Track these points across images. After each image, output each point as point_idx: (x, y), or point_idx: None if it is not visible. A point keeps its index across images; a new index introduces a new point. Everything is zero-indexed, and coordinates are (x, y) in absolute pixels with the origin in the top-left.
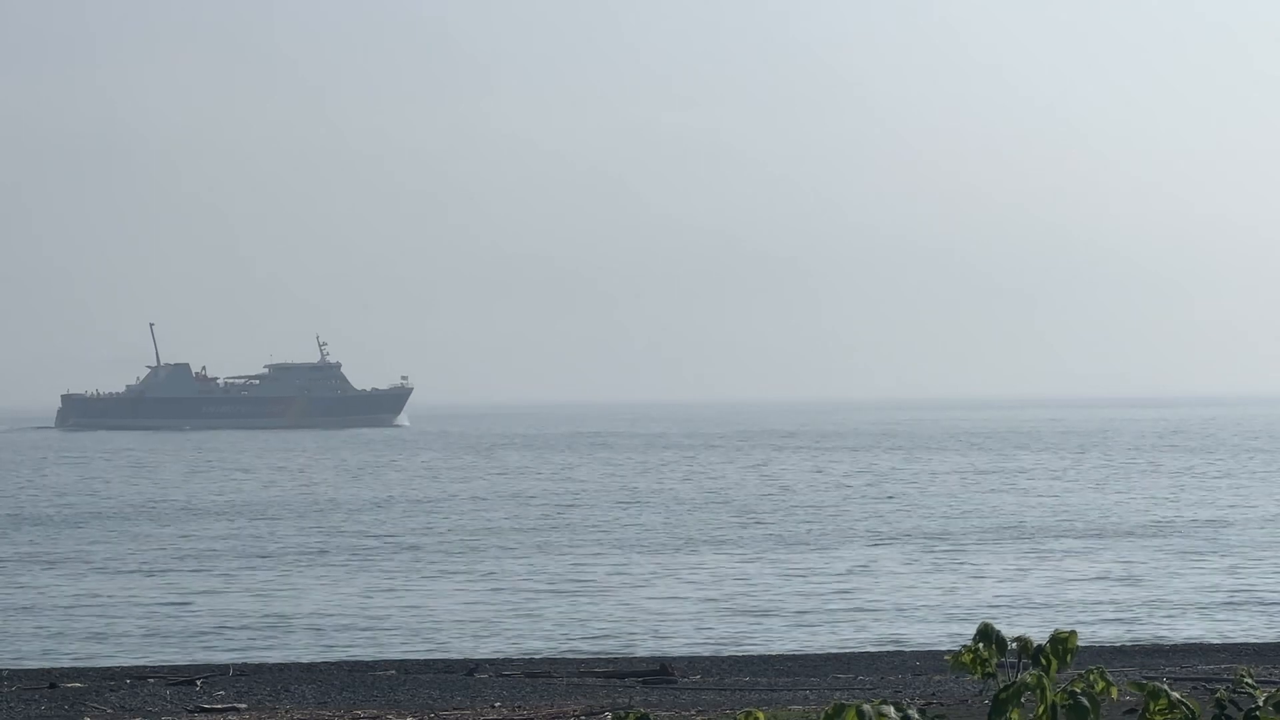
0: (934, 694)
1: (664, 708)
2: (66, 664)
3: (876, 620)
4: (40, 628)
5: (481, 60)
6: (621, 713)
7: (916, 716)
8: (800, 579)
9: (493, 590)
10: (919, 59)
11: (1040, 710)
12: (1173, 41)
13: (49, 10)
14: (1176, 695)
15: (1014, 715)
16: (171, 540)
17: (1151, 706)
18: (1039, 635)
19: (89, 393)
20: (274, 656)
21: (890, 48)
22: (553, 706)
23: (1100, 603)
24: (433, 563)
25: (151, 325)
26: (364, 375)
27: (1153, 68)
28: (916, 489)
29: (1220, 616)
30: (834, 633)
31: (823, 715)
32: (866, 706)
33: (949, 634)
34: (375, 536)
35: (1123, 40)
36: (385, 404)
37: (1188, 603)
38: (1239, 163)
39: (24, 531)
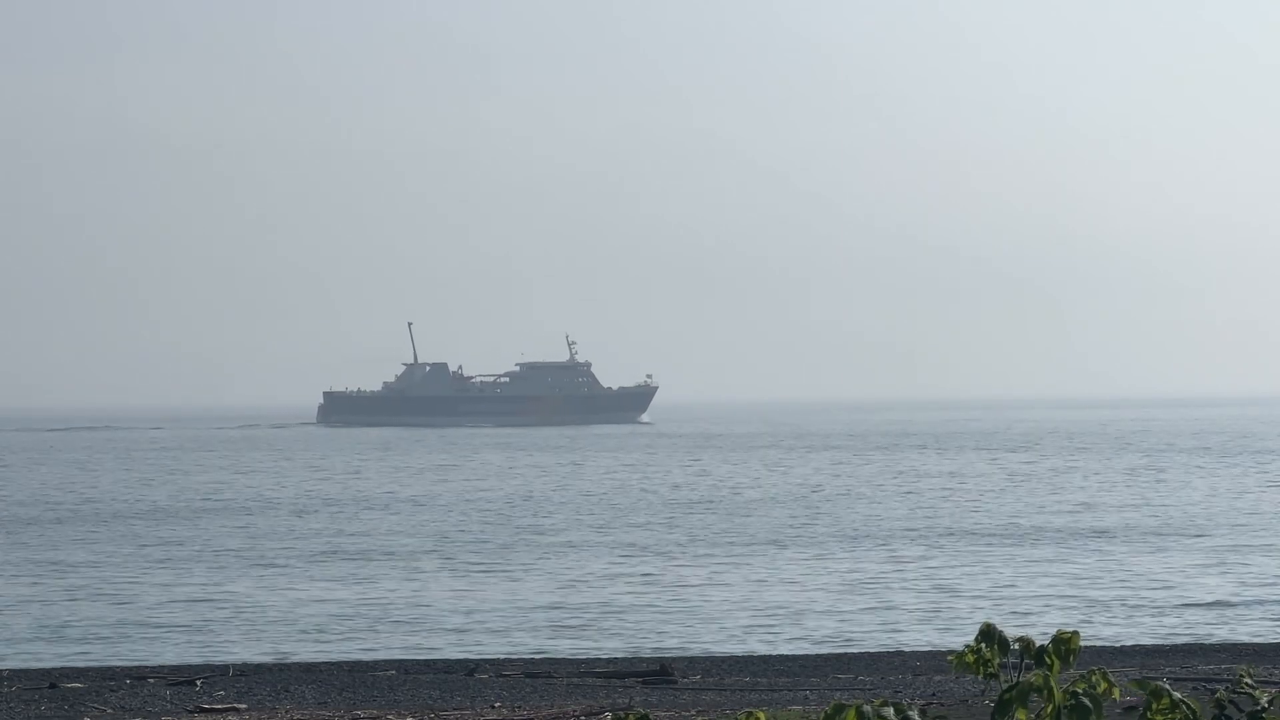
0: (935, 694)
1: (664, 708)
2: (66, 664)
3: (877, 620)
4: (40, 627)
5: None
6: (621, 713)
7: (917, 717)
8: (802, 579)
9: (501, 591)
10: (922, 58)
11: (1048, 710)
12: (1171, 40)
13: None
14: (1178, 695)
15: (1020, 715)
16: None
17: (1154, 706)
18: (1040, 635)
19: (349, 390)
20: (274, 657)
21: (893, 47)
22: (553, 707)
23: (1100, 602)
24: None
25: (410, 324)
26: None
27: (1158, 67)
28: (926, 488)
29: (1220, 616)
30: (834, 633)
31: (823, 715)
32: (867, 707)
33: (950, 634)
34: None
35: (1129, 39)
36: (632, 402)
37: (1187, 602)
38: (1246, 162)
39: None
